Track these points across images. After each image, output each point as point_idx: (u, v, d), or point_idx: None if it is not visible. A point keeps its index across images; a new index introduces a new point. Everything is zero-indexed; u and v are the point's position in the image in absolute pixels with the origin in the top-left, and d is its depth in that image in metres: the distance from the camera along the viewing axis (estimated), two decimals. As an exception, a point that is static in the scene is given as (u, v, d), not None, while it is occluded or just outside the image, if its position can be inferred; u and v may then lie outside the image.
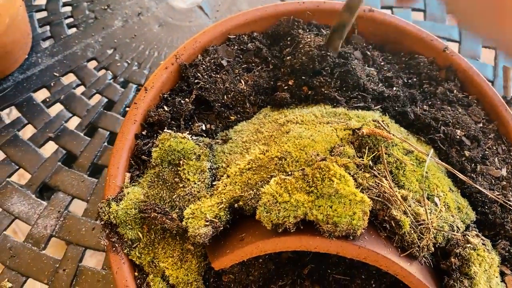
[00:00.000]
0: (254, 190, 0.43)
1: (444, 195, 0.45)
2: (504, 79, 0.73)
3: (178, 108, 0.52)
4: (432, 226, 0.41)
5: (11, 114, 0.73)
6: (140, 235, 0.45)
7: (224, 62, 0.56)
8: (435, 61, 0.58)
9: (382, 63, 0.59)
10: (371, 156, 0.45)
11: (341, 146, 0.45)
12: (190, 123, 0.53)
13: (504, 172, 0.51)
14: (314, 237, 0.39)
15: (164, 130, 0.50)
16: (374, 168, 0.44)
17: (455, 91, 0.55)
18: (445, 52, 0.56)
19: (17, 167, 0.68)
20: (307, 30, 0.58)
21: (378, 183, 0.42)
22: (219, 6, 0.81)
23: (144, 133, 0.52)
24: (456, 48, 0.80)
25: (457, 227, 0.44)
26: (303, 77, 0.54)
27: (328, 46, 0.52)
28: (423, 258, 0.42)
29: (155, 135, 0.52)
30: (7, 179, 0.66)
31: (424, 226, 0.41)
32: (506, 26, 0.37)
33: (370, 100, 0.53)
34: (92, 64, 0.76)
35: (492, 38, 0.40)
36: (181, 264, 0.45)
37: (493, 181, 0.50)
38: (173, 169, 0.48)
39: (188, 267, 0.45)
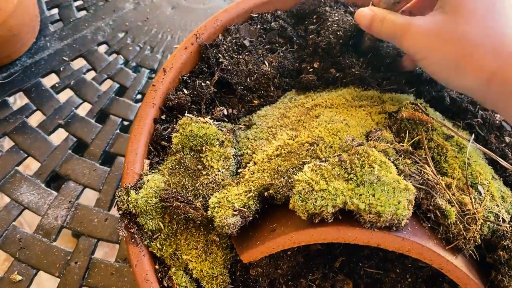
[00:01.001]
0: (286, 178, 0.40)
1: (488, 183, 0.42)
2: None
3: (199, 91, 0.49)
4: (479, 216, 0.38)
5: (19, 100, 0.70)
6: (161, 225, 0.42)
7: (247, 42, 0.52)
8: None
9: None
10: (411, 141, 0.41)
11: (379, 131, 0.42)
12: (211, 107, 0.50)
13: (548, 159, 0.48)
14: (354, 228, 0.35)
15: (185, 115, 0.47)
16: (415, 154, 0.41)
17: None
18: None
19: (26, 155, 0.65)
20: (335, 7, 0.54)
21: (421, 170, 0.39)
22: (235, -12, 0.77)
23: (163, 117, 0.48)
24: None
25: (503, 217, 0.41)
26: (330, 58, 0.50)
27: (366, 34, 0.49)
28: (469, 251, 0.38)
29: (174, 120, 0.48)
30: (16, 167, 0.64)
31: (470, 216, 0.38)
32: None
33: (404, 82, 0.50)
34: (103, 48, 0.73)
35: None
36: (205, 257, 0.42)
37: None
38: (195, 156, 0.45)
39: (213, 260, 0.42)
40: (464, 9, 0.37)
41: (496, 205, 0.42)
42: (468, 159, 0.43)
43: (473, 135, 0.44)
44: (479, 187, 0.42)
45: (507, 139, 0.48)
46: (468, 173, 0.42)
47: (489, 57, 0.36)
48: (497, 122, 0.48)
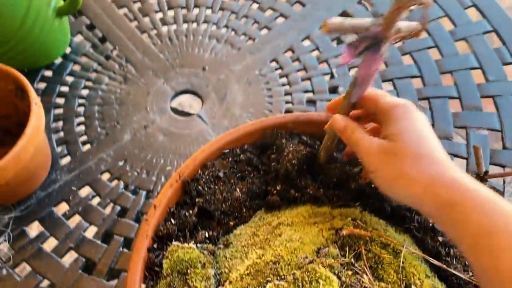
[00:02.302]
0: (253, 295, 0.49)
1: (420, 282, 0.51)
2: (475, 157, 0.80)
3: (183, 220, 0.60)
4: (412, 314, 0.47)
5: (36, 228, 0.81)
6: None
7: (221, 174, 0.64)
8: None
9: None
10: (352, 254, 0.51)
11: (326, 247, 0.52)
12: (194, 232, 0.61)
13: (476, 253, 0.57)
14: (307, 336, 0.44)
15: (173, 242, 0.58)
16: (356, 265, 0.51)
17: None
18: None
19: (42, 278, 0.75)
20: (290, 139, 0.66)
21: (360, 279, 0.49)
22: (215, 113, 0.91)
23: (155, 246, 0.59)
24: (430, 130, 0.88)
25: (436, 311, 0.50)
26: (289, 182, 0.62)
27: (317, 159, 0.61)
28: None
29: (165, 247, 0.59)
30: (34, 291, 0.73)
31: (404, 315, 0.47)
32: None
33: (350, 198, 0.61)
34: (106, 176, 0.85)
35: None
36: None
37: (466, 262, 0.56)
38: (182, 278, 0.55)
39: None
40: (399, 140, 0.49)
41: (430, 301, 0.51)
42: (403, 262, 0.52)
43: (406, 241, 0.54)
44: (412, 287, 0.51)
45: (440, 238, 0.58)
46: (402, 275, 0.51)
47: (422, 175, 0.46)
48: (430, 224, 0.59)
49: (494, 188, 0.79)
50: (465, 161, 0.84)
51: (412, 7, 0.42)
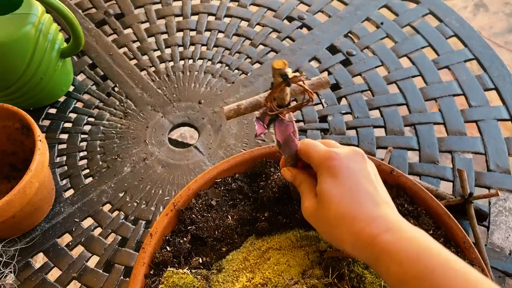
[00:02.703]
0: (242, 316, 0.53)
1: (402, 300, 0.54)
2: (460, 180, 0.84)
3: (178, 247, 0.63)
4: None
5: (40, 259, 0.84)
6: None
7: (213, 202, 0.68)
8: (385, 182, 0.69)
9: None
10: (335, 275, 0.55)
11: (311, 269, 0.55)
12: (189, 258, 0.64)
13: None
14: None
15: (168, 268, 0.61)
16: (339, 284, 0.54)
17: (405, 205, 0.66)
18: (392, 173, 0.68)
19: (46, 308, 0.78)
20: (278, 168, 0.70)
21: (342, 298, 0.52)
22: (211, 144, 0.95)
23: (151, 272, 0.62)
24: (417, 155, 0.92)
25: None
26: (275, 208, 0.65)
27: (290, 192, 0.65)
28: None
29: (161, 273, 0.62)
30: (38, 320, 0.76)
31: (385, 331, 0.50)
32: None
33: (335, 222, 0.64)
34: (107, 207, 0.89)
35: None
36: None
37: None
38: (177, 302, 0.58)
39: None
40: (324, 202, 0.51)
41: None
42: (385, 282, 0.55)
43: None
44: (394, 305, 0.54)
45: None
46: (384, 294, 0.54)
47: (346, 237, 0.49)
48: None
49: (480, 210, 0.82)
50: (451, 184, 0.87)
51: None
